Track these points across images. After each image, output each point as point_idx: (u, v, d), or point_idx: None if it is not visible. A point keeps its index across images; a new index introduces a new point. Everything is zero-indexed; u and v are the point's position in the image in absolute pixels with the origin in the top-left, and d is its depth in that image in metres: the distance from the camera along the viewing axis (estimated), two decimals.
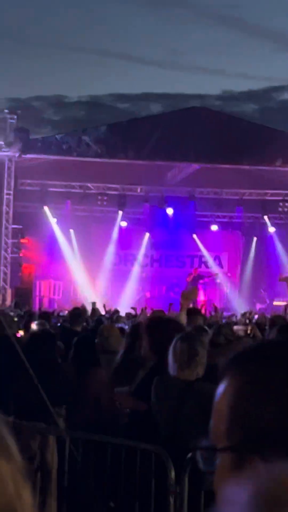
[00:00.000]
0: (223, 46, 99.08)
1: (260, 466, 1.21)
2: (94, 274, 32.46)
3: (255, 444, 1.21)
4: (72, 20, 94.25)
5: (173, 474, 5.38)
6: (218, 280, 32.20)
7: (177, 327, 6.21)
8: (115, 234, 32.82)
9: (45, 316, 12.72)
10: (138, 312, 21.74)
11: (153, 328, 6.25)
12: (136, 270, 33.00)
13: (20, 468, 1.11)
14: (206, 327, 9.46)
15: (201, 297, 29.60)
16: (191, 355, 5.53)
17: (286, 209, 32.12)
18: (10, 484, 1.07)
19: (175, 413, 5.37)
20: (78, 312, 11.90)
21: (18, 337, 8.92)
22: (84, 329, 11.65)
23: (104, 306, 22.61)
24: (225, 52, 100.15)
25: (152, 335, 6.12)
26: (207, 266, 33.08)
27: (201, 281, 30.16)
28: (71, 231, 32.29)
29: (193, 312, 10.25)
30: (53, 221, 31.59)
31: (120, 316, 18.62)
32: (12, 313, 14.81)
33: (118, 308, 24.53)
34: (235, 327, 10.49)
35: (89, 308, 20.95)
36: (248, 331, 9.94)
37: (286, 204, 31.98)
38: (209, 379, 5.33)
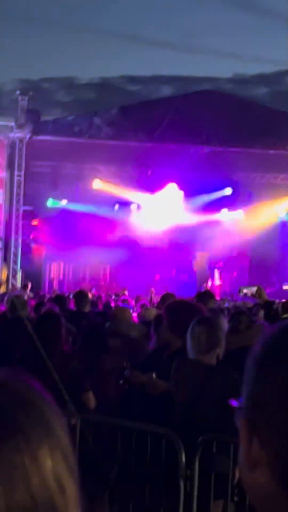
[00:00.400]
0: (235, 29, 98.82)
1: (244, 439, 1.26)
2: (103, 257, 32.47)
3: (251, 406, 1.25)
4: (84, 1, 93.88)
5: (183, 457, 5.40)
6: None
7: (198, 309, 6.21)
8: (125, 217, 32.79)
9: (59, 299, 12.69)
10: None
11: (175, 312, 6.24)
12: (145, 253, 32.98)
13: (66, 457, 1.09)
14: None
15: (217, 281, 29.65)
16: (210, 339, 5.53)
17: None
18: (51, 479, 1.04)
19: (194, 396, 5.37)
20: (83, 294, 11.88)
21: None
22: (91, 312, 11.65)
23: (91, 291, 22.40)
24: (237, 35, 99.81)
25: (175, 319, 6.10)
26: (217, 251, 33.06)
27: (217, 265, 30.35)
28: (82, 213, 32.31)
29: (206, 296, 10.26)
30: (63, 202, 31.62)
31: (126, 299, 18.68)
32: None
33: (127, 291, 24.61)
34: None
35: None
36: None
37: None
38: (227, 365, 5.34)
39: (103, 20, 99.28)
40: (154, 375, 5.69)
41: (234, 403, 1.31)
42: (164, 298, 10.32)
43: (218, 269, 30.73)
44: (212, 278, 31.00)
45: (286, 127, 27.97)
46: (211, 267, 31.64)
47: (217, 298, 25.60)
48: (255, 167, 30.48)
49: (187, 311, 6.11)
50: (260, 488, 1.23)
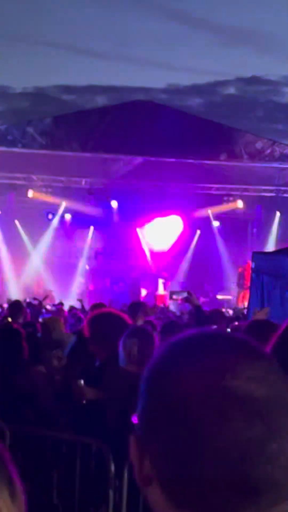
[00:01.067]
0: (168, 40, 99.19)
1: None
2: (37, 266, 32.35)
3: (141, 426, 1.26)
4: (17, 10, 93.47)
5: (113, 467, 5.38)
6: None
7: (120, 319, 6.19)
8: (58, 226, 32.72)
9: None
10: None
11: (97, 323, 6.20)
12: (79, 262, 32.95)
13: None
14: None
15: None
16: (142, 350, 5.53)
17: (230, 204, 32.30)
18: None
19: (126, 406, 5.34)
20: (18, 305, 11.79)
21: None
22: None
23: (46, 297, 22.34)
24: (170, 45, 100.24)
25: (98, 330, 6.07)
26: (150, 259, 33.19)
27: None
28: (17, 222, 32.13)
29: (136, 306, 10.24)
30: None
31: (61, 309, 18.57)
32: None
33: (63, 301, 24.50)
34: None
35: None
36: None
37: (231, 198, 32.16)
38: None
39: (37, 30, 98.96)
40: (81, 382, 5.66)
41: (135, 419, 1.31)
42: (92, 308, 10.25)
43: (162, 278, 30.74)
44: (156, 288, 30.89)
45: (220, 138, 28.19)
46: (154, 276, 31.60)
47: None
48: (189, 177, 30.66)
49: (109, 322, 6.08)
50: (155, 505, 1.24)
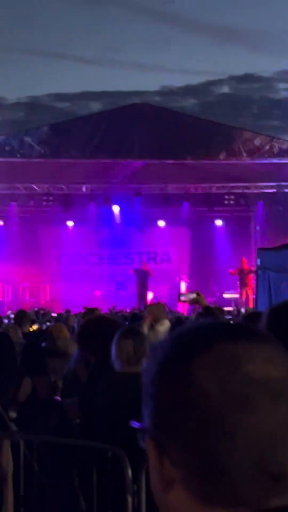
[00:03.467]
0: (159, 42, 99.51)
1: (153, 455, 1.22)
2: (42, 275, 32.36)
3: (155, 426, 1.22)
4: (5, 20, 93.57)
5: (130, 472, 5.34)
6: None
7: (111, 324, 6.16)
8: (61, 234, 32.77)
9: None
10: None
11: (86, 329, 6.17)
12: (84, 269, 32.94)
13: None
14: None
15: (150, 295, 29.60)
16: (137, 350, 5.51)
17: (232, 202, 32.29)
18: None
19: (131, 410, 5.30)
20: (23, 314, 11.79)
21: None
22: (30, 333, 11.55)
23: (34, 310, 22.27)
24: (162, 48, 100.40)
25: (87, 336, 6.04)
26: (155, 263, 33.17)
27: (150, 277, 30.21)
28: (19, 232, 32.18)
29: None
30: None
31: (70, 316, 18.54)
32: None
33: (69, 308, 24.47)
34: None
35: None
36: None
37: (232, 197, 32.15)
38: None
39: (28, 39, 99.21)
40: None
41: (135, 424, 1.27)
42: (85, 314, 10.21)
43: (184, 281, 30.64)
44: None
45: (216, 137, 28.17)
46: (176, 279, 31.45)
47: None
48: (189, 178, 30.68)
49: (98, 327, 6.04)
50: (178, 507, 1.19)
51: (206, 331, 1.25)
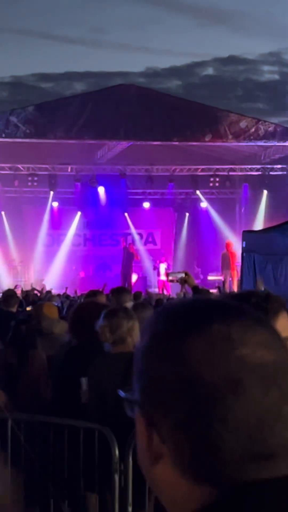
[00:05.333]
0: (144, 23, 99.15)
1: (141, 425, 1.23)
2: (27, 256, 32.32)
3: (146, 401, 1.22)
4: None
5: (117, 451, 5.37)
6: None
7: (95, 307, 6.32)
8: (47, 214, 32.70)
9: None
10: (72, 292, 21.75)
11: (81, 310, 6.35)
12: (69, 250, 32.91)
13: None
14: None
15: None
16: (117, 329, 5.64)
17: (217, 184, 32.29)
18: None
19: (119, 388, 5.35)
20: (11, 294, 11.78)
21: None
22: (18, 312, 11.56)
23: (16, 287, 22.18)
24: (147, 28, 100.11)
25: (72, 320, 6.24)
26: (140, 244, 33.20)
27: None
28: (2, 213, 32.09)
29: (120, 291, 10.26)
30: None
31: (53, 295, 18.55)
32: None
33: (53, 289, 24.48)
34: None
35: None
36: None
37: (217, 179, 32.14)
38: None
39: (12, 19, 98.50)
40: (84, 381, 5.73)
41: (121, 393, 1.28)
42: (88, 295, 10.19)
43: (163, 263, 30.54)
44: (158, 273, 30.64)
45: (202, 118, 28.12)
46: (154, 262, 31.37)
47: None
48: (174, 159, 30.67)
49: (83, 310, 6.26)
50: (165, 481, 1.21)
51: (201, 309, 1.25)
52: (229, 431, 1.14)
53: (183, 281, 7.47)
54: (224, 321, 1.21)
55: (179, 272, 7.86)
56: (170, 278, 8.14)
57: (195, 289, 7.52)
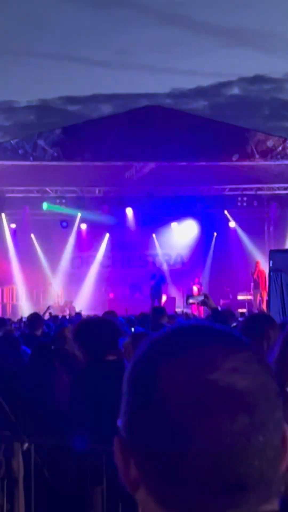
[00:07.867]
0: (170, 44, 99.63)
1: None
2: (56, 278, 32.41)
3: (123, 427, 1.22)
4: (17, 23, 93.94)
5: None
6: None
7: (108, 326, 6.25)
8: (75, 237, 32.78)
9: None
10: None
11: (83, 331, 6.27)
12: (98, 271, 32.96)
13: None
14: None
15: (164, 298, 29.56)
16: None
17: (245, 204, 32.21)
18: None
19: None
20: (36, 317, 11.75)
21: None
22: (44, 334, 11.52)
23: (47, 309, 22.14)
24: (172, 50, 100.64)
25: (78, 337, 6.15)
26: (169, 265, 33.21)
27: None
28: (32, 235, 32.21)
29: (158, 311, 10.29)
30: (12, 226, 31.50)
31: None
32: None
33: (83, 311, 24.49)
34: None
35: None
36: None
37: (245, 198, 32.07)
38: None
39: (38, 43, 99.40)
40: None
41: (119, 422, 1.27)
42: (104, 316, 10.26)
43: (196, 284, 30.55)
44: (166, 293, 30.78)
45: (229, 138, 28.14)
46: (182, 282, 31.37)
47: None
48: (202, 179, 30.65)
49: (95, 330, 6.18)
50: (144, 507, 1.19)
51: (181, 335, 1.24)
52: (197, 458, 1.12)
53: (203, 304, 7.45)
54: (201, 345, 1.19)
55: (199, 295, 7.85)
56: (190, 301, 8.13)
57: (215, 311, 7.48)
